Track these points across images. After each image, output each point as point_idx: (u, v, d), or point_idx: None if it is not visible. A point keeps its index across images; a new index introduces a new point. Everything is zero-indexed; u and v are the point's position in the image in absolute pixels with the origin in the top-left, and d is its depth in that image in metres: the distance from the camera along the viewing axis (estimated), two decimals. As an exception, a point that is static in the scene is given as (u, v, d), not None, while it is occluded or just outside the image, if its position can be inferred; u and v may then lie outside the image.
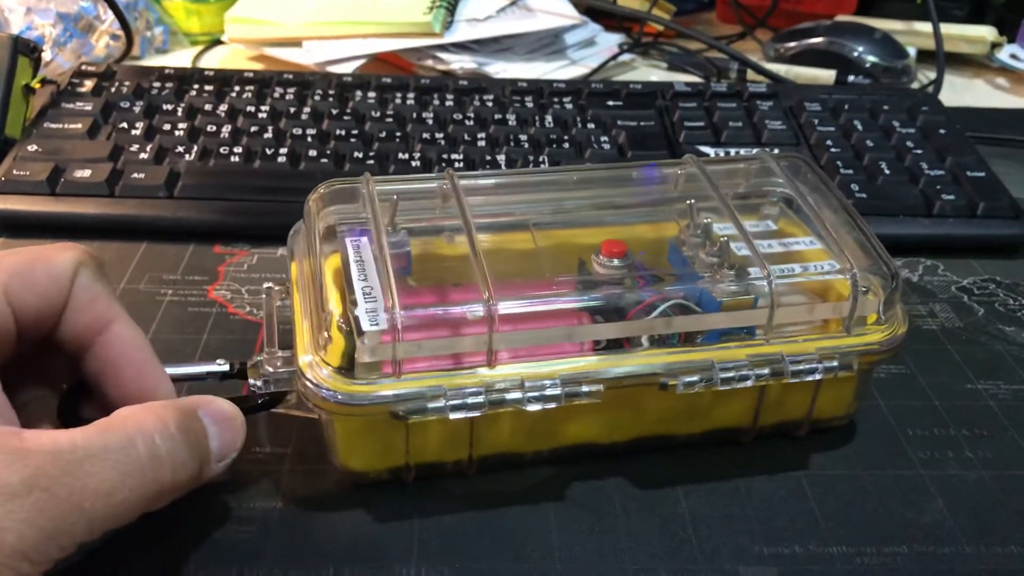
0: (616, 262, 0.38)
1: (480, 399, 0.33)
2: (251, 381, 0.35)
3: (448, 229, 0.40)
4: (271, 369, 0.34)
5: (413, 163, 0.57)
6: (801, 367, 0.36)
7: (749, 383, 0.35)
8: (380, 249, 0.35)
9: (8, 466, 0.26)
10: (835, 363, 0.36)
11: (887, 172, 0.58)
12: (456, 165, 0.57)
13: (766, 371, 0.36)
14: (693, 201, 0.41)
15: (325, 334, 0.34)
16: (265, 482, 0.36)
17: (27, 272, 0.31)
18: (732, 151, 0.60)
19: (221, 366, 0.35)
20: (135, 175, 0.54)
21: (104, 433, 0.28)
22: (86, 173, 0.54)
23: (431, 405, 0.33)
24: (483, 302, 0.33)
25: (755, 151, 0.45)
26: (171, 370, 0.35)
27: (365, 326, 0.33)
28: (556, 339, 0.35)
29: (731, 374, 0.35)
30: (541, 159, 0.58)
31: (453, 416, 0.33)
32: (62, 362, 0.34)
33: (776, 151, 0.44)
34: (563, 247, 0.40)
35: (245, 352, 0.44)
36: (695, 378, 0.35)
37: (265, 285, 0.39)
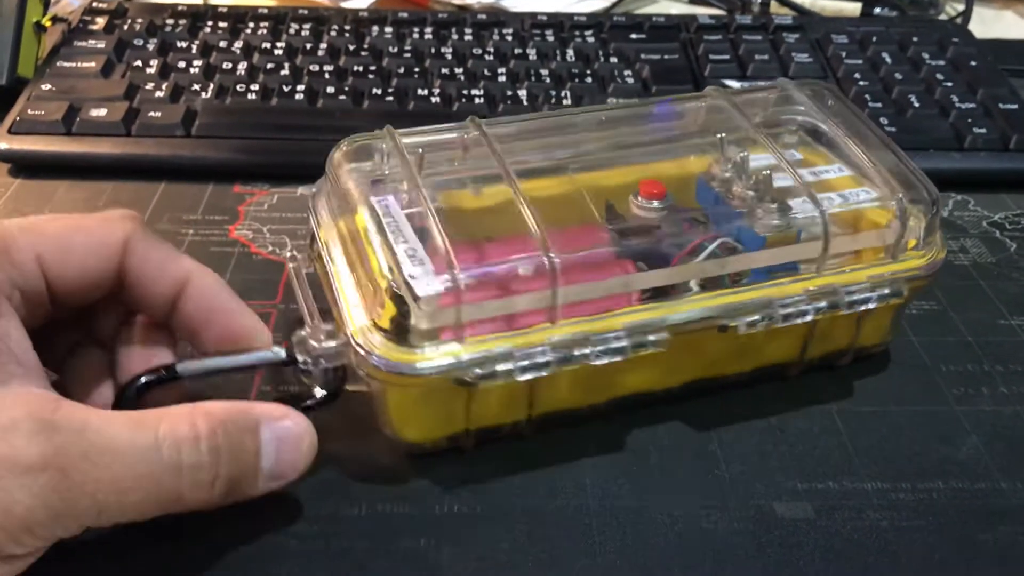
0: (656, 203, 0.37)
1: (548, 358, 0.32)
2: (299, 358, 0.33)
3: (474, 180, 0.38)
4: (316, 344, 0.32)
5: (433, 99, 0.56)
6: (855, 297, 0.35)
7: (808, 318, 0.35)
8: (419, 208, 0.34)
9: (31, 438, 0.26)
10: (887, 290, 0.36)
11: (917, 105, 0.57)
12: (476, 101, 0.56)
13: (823, 304, 0.35)
14: (724, 134, 0.40)
15: (379, 304, 0.32)
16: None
17: (65, 240, 0.31)
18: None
19: (278, 355, 0.33)
20: (151, 114, 0.53)
21: (135, 429, 0.27)
22: (102, 112, 0.53)
23: (500, 368, 0.31)
24: (543, 255, 0.32)
25: (774, 81, 0.44)
26: (223, 361, 0.33)
27: (421, 291, 0.31)
28: (614, 289, 0.34)
29: (791, 310, 0.35)
30: (563, 94, 0.57)
31: (521, 378, 0.32)
32: (112, 322, 0.34)
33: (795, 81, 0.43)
34: (589, 191, 0.39)
35: (268, 292, 0.43)
36: (756, 317, 0.34)
37: (288, 254, 0.37)
